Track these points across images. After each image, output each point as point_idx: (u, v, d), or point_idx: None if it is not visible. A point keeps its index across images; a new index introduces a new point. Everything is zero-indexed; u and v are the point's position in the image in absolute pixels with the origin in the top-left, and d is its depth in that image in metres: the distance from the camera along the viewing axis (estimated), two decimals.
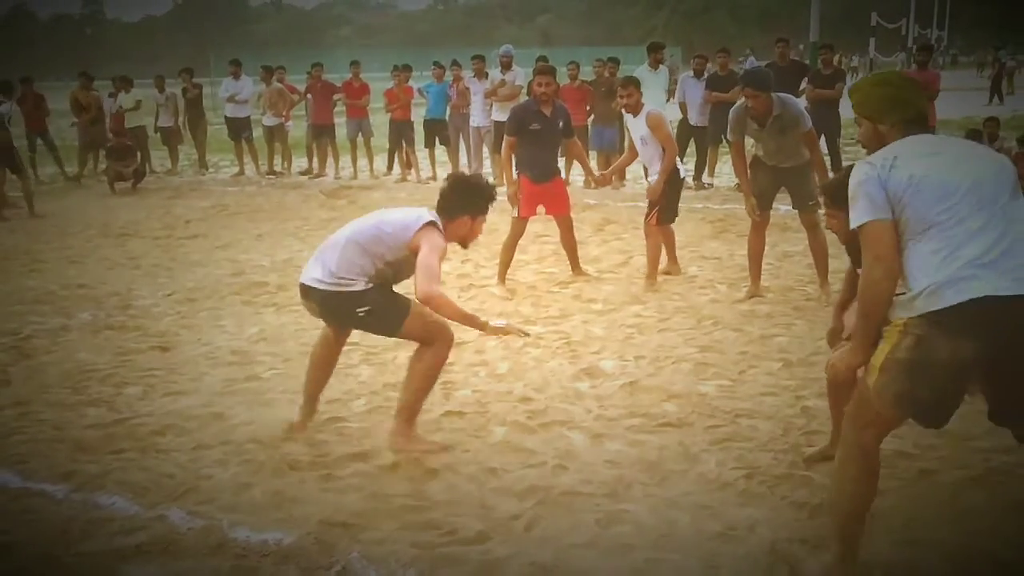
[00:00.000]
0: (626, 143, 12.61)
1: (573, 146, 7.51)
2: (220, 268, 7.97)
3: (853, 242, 3.16)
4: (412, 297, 3.87)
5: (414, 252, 3.82)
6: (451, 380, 4.94)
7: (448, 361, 5.17)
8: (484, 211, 4.08)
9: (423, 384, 3.98)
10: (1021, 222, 2.62)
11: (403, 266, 3.94)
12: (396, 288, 4.04)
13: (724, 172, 12.04)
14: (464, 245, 4.22)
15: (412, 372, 3.99)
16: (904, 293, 2.65)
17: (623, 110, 6.96)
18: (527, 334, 4.22)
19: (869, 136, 2.94)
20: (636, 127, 6.76)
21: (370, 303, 3.85)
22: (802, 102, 8.48)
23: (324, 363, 4.32)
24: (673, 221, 6.95)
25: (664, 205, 6.75)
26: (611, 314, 6.14)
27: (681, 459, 3.89)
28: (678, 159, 6.93)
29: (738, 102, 6.24)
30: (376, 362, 5.27)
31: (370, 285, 3.88)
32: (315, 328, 5.93)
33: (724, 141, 11.23)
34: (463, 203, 4.02)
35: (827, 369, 3.02)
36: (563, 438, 4.15)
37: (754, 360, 5.10)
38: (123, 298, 6.98)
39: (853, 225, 2.72)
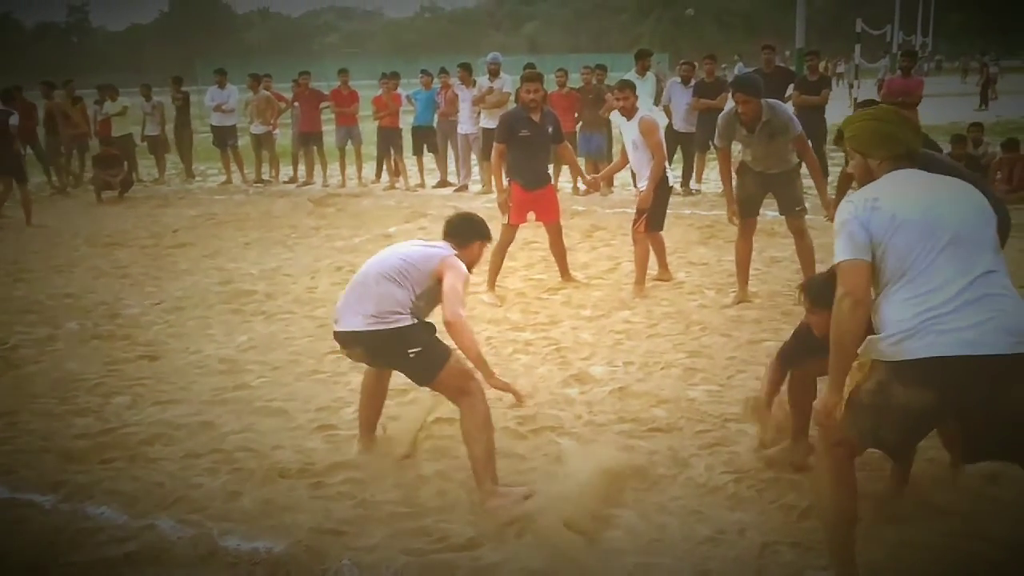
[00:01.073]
0: (615, 149, 12.71)
1: (564, 150, 7.54)
2: (208, 277, 7.95)
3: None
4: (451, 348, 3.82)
5: (438, 280, 3.82)
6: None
7: None
8: (489, 237, 4.23)
9: (487, 446, 3.71)
10: (995, 275, 2.62)
11: (431, 297, 3.88)
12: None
13: (711, 178, 12.08)
14: (470, 270, 4.13)
15: (468, 439, 3.73)
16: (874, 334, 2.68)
17: (618, 112, 6.97)
18: (523, 402, 4.15)
19: (860, 170, 2.97)
20: (628, 131, 6.80)
21: (421, 344, 3.75)
22: (788, 108, 8.52)
23: (374, 393, 4.22)
24: (661, 229, 6.97)
25: (652, 212, 6.77)
26: (600, 320, 6.16)
27: (671, 464, 3.91)
28: (667, 165, 6.96)
29: (727, 108, 6.27)
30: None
31: (415, 321, 3.79)
32: (304, 337, 5.97)
33: (712, 147, 11.32)
34: (474, 231, 4.13)
35: (814, 418, 2.99)
36: (553, 444, 4.16)
37: (742, 365, 5.12)
38: (111, 307, 6.96)
39: (834, 261, 2.76)
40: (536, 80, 6.98)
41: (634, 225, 6.88)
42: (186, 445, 4.29)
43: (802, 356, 3.67)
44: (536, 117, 6.85)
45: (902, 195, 2.72)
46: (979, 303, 2.55)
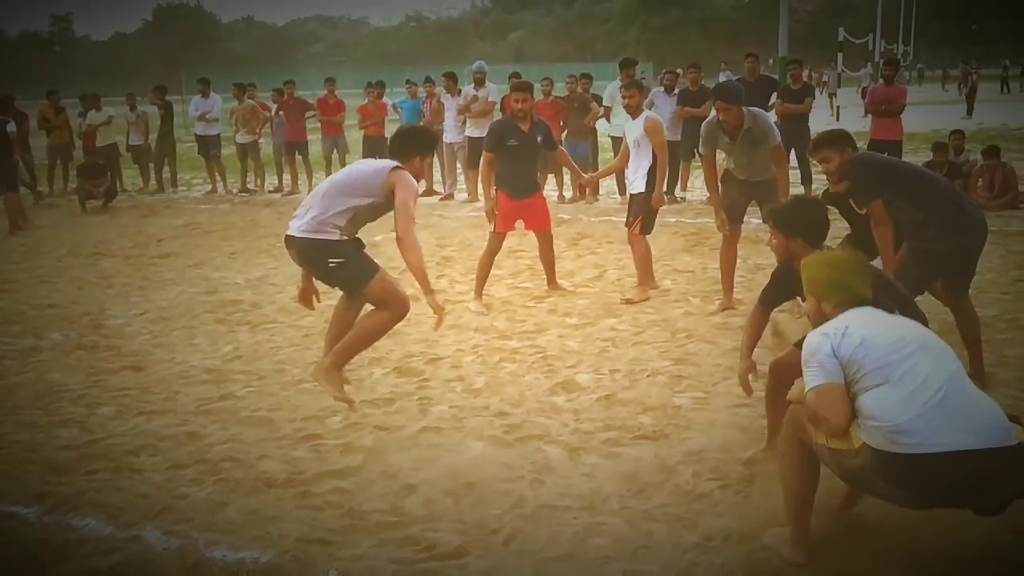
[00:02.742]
0: (600, 158, 12.76)
1: (560, 155, 7.59)
2: (193, 286, 7.92)
3: (784, 263, 3.66)
4: (379, 264, 4.56)
5: (389, 190, 4.42)
6: (428, 395, 4.94)
7: (424, 376, 5.21)
8: (430, 152, 4.77)
9: (362, 340, 4.50)
10: (962, 370, 2.85)
11: (378, 207, 4.52)
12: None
13: (696, 186, 12.14)
14: (416, 180, 4.71)
15: (358, 326, 4.52)
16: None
17: (624, 110, 7.06)
18: (441, 320, 4.65)
19: (813, 311, 3.16)
20: (632, 129, 6.86)
21: (342, 255, 4.39)
22: (772, 116, 8.59)
23: (342, 318, 4.78)
24: (650, 232, 7.01)
25: (647, 215, 6.85)
26: (586, 328, 6.17)
27: (657, 471, 3.92)
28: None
29: (710, 116, 6.32)
30: (353, 379, 5.25)
31: (345, 238, 4.42)
32: (290, 346, 5.96)
33: (696, 155, 11.38)
34: (412, 146, 4.66)
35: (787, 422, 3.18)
36: (540, 452, 4.16)
37: (728, 372, 5.14)
38: (95, 318, 6.92)
39: (807, 388, 2.88)
40: (525, 90, 7.00)
41: (630, 227, 6.92)
42: (171, 455, 4.27)
43: (780, 296, 4.03)
44: (525, 127, 6.87)
45: (866, 323, 2.92)
46: (961, 403, 2.71)
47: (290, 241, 4.52)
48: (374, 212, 4.59)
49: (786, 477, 3.13)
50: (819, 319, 3.09)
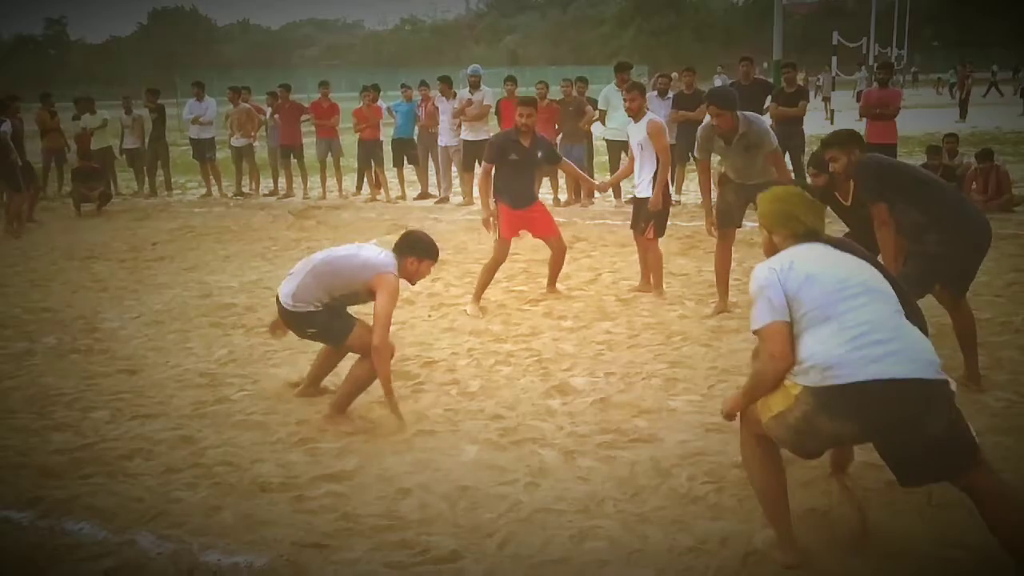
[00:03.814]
0: (595, 161, 12.76)
1: (565, 167, 7.61)
2: (188, 290, 7.90)
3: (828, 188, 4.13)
4: (357, 318, 4.71)
5: (370, 292, 4.54)
6: (422, 399, 4.94)
7: (419, 379, 5.21)
8: (430, 257, 4.76)
9: (355, 388, 4.63)
10: (900, 312, 2.93)
11: (357, 297, 4.68)
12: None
13: (691, 189, 12.16)
14: (412, 282, 4.86)
15: (349, 376, 4.66)
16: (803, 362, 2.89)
17: (626, 113, 7.09)
18: (403, 428, 4.55)
19: (766, 244, 3.32)
20: (636, 132, 6.89)
21: (316, 326, 4.65)
22: (767, 120, 8.60)
23: (327, 356, 4.98)
24: (663, 235, 7.07)
25: (660, 218, 6.89)
26: (581, 331, 6.17)
27: (652, 474, 3.92)
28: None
29: (705, 120, 6.33)
30: None
31: (319, 308, 4.61)
32: (285, 349, 5.94)
33: (691, 159, 11.39)
34: (412, 247, 4.72)
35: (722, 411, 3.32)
36: (535, 455, 4.16)
37: (723, 375, 5.15)
38: (89, 321, 6.90)
39: (753, 327, 3.00)
40: (531, 105, 7.01)
41: (643, 233, 6.94)
42: (166, 459, 4.26)
43: None
44: (526, 142, 6.88)
45: (812, 259, 3.03)
46: (895, 337, 2.82)
47: (277, 303, 4.75)
48: (354, 300, 4.73)
49: (754, 478, 3.19)
50: (770, 251, 3.24)
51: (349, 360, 4.85)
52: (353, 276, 4.59)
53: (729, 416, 3.24)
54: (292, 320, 4.70)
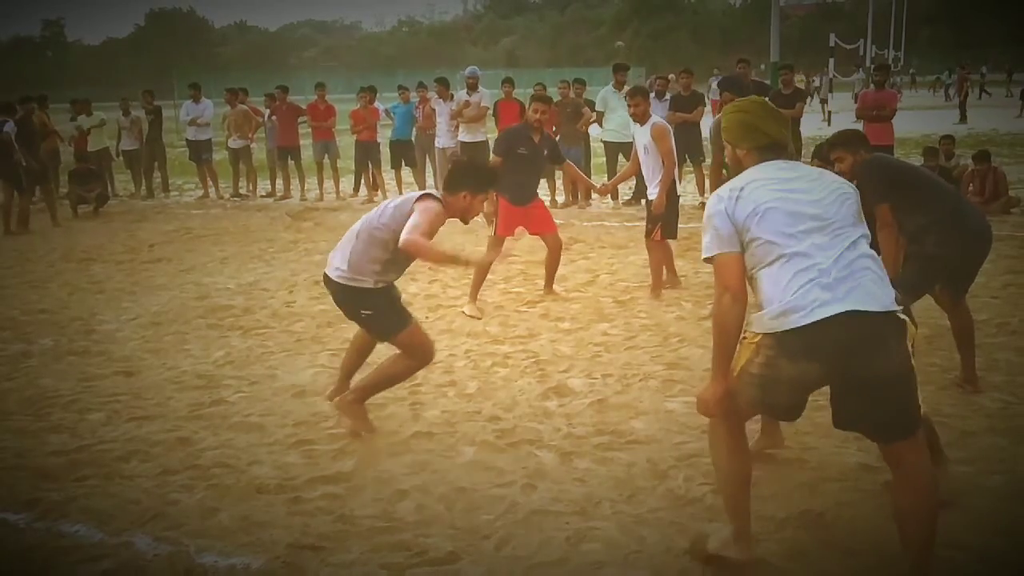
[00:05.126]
0: (593, 163, 12.77)
1: (567, 168, 7.62)
2: (185, 292, 7.90)
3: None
4: (414, 316, 4.50)
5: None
6: (420, 400, 4.93)
7: (416, 381, 5.21)
8: (483, 189, 4.37)
9: (384, 382, 4.47)
10: (859, 246, 2.85)
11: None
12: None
13: (688, 191, 12.16)
14: (464, 220, 4.47)
15: (383, 367, 4.45)
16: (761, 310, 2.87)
17: (631, 117, 7.11)
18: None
19: (731, 158, 3.21)
20: (640, 136, 6.92)
21: (373, 307, 4.28)
22: None
23: (362, 348, 4.73)
24: (675, 235, 7.08)
25: (667, 219, 6.91)
26: (578, 332, 6.17)
27: (649, 476, 3.92)
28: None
29: (718, 116, 6.37)
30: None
31: (379, 286, 4.28)
32: (282, 351, 5.94)
33: (687, 160, 11.41)
34: (464, 180, 4.33)
35: (698, 407, 3.10)
36: (532, 457, 4.16)
37: None
38: (86, 323, 6.90)
39: (704, 256, 2.97)
40: (546, 102, 7.13)
41: (649, 234, 6.96)
42: (162, 461, 4.25)
43: None
44: (536, 138, 6.95)
45: (763, 185, 2.92)
46: (849, 275, 2.75)
47: (327, 281, 4.41)
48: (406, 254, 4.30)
49: (719, 466, 3.14)
50: (736, 166, 3.16)
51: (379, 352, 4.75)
52: (400, 217, 4.17)
53: (711, 404, 2.99)
54: (347, 296, 4.32)
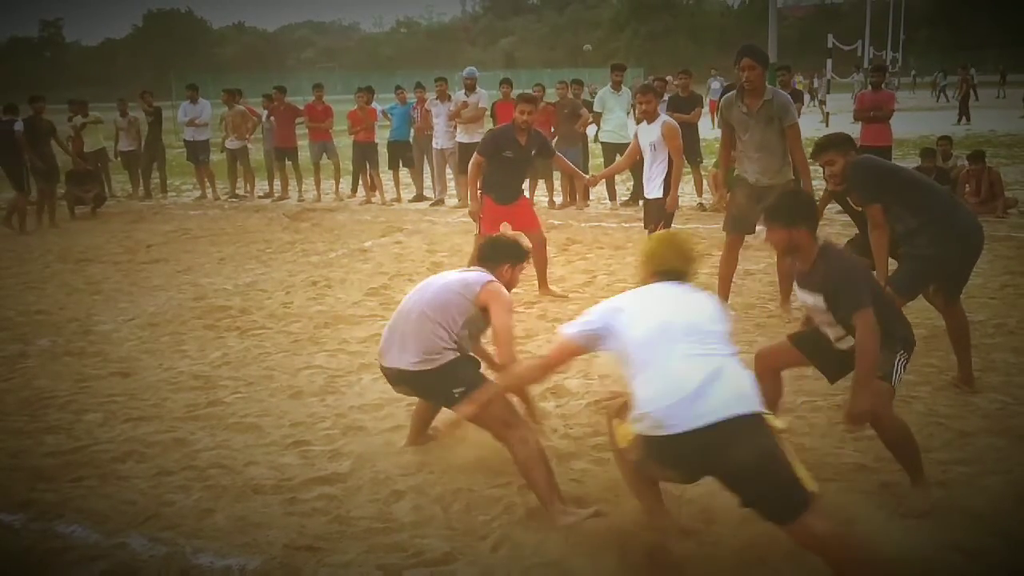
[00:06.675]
0: (591, 164, 12.77)
1: (558, 161, 7.62)
2: (182, 292, 7.89)
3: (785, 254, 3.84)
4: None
5: (482, 308, 3.93)
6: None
7: None
8: (522, 259, 4.29)
9: (536, 474, 3.66)
10: (725, 361, 2.98)
11: (475, 326, 4.00)
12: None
13: (686, 192, 12.15)
14: (507, 290, 4.20)
15: (522, 469, 3.72)
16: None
17: (638, 116, 7.11)
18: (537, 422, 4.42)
19: (639, 281, 3.48)
20: (647, 133, 6.92)
21: (465, 384, 3.79)
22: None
23: (427, 408, 4.32)
24: None
25: (669, 219, 6.94)
26: None
27: None
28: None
29: (728, 94, 6.38)
30: (342, 384, 5.25)
31: (458, 355, 3.89)
32: (279, 352, 5.93)
33: (684, 161, 11.36)
34: (505, 253, 4.22)
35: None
36: None
37: None
38: (83, 324, 6.89)
39: (566, 330, 3.30)
40: (531, 102, 7.09)
41: (652, 233, 6.97)
42: (158, 462, 4.24)
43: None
44: (523, 139, 6.94)
45: (643, 301, 3.22)
46: (708, 383, 2.87)
47: (399, 376, 3.96)
48: (476, 326, 4.02)
49: (627, 482, 3.38)
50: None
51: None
52: (463, 298, 3.93)
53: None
54: (436, 382, 3.86)
